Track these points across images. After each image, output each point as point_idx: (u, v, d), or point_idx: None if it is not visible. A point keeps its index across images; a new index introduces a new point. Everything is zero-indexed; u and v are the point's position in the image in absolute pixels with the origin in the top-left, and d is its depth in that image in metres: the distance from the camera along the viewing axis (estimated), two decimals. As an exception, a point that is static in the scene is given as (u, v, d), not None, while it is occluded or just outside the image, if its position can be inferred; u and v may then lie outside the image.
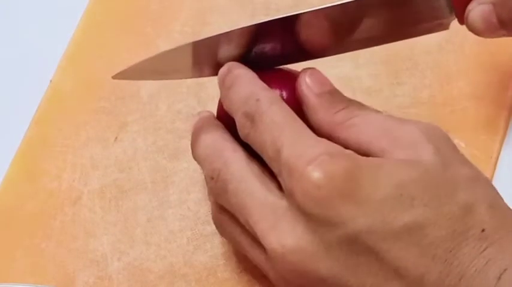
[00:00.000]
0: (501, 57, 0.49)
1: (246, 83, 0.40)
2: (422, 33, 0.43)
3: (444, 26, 0.43)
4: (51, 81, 0.52)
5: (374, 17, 0.41)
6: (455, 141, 0.39)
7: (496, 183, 0.37)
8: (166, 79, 0.44)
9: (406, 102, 0.49)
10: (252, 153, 0.39)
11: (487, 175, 0.45)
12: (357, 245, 0.34)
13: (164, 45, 0.52)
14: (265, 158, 0.38)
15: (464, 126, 0.47)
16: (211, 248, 0.45)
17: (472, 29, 0.42)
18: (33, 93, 0.51)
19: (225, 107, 0.40)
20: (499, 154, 0.47)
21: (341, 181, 0.34)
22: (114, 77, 0.43)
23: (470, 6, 0.42)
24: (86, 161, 0.49)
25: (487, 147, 0.47)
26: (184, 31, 0.53)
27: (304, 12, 0.40)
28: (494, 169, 0.46)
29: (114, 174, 0.48)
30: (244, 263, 0.44)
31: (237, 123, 0.39)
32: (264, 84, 0.39)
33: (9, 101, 0.52)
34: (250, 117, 0.38)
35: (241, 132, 0.39)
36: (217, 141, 0.40)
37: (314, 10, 0.40)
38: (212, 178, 0.39)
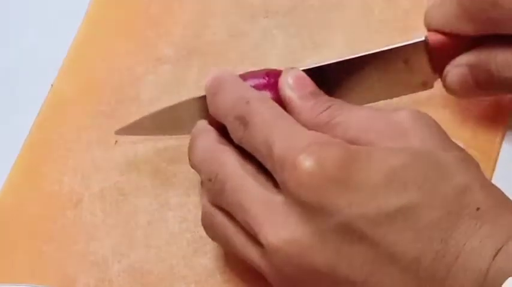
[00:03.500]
0: (501, 57, 0.49)
1: (231, 87, 0.40)
2: (406, 93, 0.45)
3: (429, 85, 0.44)
4: (52, 85, 0.52)
5: (359, 79, 0.43)
6: (455, 141, 0.39)
7: (496, 183, 0.37)
8: (170, 135, 0.45)
9: (406, 103, 0.48)
10: (247, 155, 0.39)
11: (487, 175, 0.45)
12: (351, 233, 0.34)
13: (165, 48, 0.52)
14: (259, 158, 0.38)
15: (464, 127, 0.47)
16: (210, 250, 0.45)
17: (449, 91, 0.44)
18: (35, 97, 0.51)
19: (211, 113, 0.41)
20: (498, 154, 0.47)
21: (333, 169, 0.35)
22: (116, 133, 0.45)
23: (447, 69, 0.43)
24: (87, 164, 0.49)
25: (486, 147, 0.47)
26: (184, 34, 0.53)
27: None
28: (494, 169, 0.46)
29: (114, 177, 0.48)
30: (244, 265, 0.44)
31: (229, 128, 0.40)
32: (249, 86, 0.40)
33: (10, 105, 0.52)
34: (243, 121, 0.38)
35: (235, 135, 0.39)
36: (213, 145, 0.41)
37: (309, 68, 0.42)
38: (210, 180, 0.40)
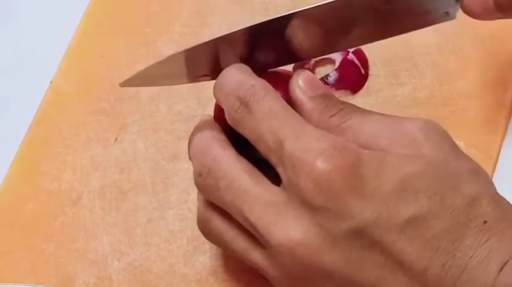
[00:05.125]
0: (501, 57, 0.49)
1: (238, 70, 0.40)
2: (427, 24, 0.42)
3: (450, 17, 0.42)
4: (51, 82, 0.52)
5: (377, 8, 0.40)
6: (455, 141, 0.39)
7: (496, 183, 0.37)
8: (173, 84, 0.44)
9: (406, 103, 0.49)
10: (239, 150, 0.39)
11: (487, 175, 0.45)
12: (363, 239, 0.35)
13: (164, 46, 0.52)
14: (261, 147, 0.37)
15: (464, 126, 0.47)
16: (210, 248, 0.45)
17: (468, 11, 0.42)
18: (34, 94, 0.51)
19: (214, 94, 0.40)
20: (499, 154, 0.47)
21: (349, 175, 0.35)
22: (121, 85, 0.43)
23: None
24: (86, 161, 0.49)
25: (487, 147, 0.47)
26: (184, 32, 0.53)
27: (302, 10, 0.40)
28: (494, 169, 0.46)
29: (114, 175, 0.48)
30: (244, 264, 0.44)
31: (228, 108, 0.39)
32: (257, 76, 0.39)
33: (9, 102, 0.52)
34: (245, 102, 0.38)
35: (233, 117, 0.38)
36: (207, 139, 0.40)
37: (311, 7, 0.40)
38: (200, 175, 0.39)
